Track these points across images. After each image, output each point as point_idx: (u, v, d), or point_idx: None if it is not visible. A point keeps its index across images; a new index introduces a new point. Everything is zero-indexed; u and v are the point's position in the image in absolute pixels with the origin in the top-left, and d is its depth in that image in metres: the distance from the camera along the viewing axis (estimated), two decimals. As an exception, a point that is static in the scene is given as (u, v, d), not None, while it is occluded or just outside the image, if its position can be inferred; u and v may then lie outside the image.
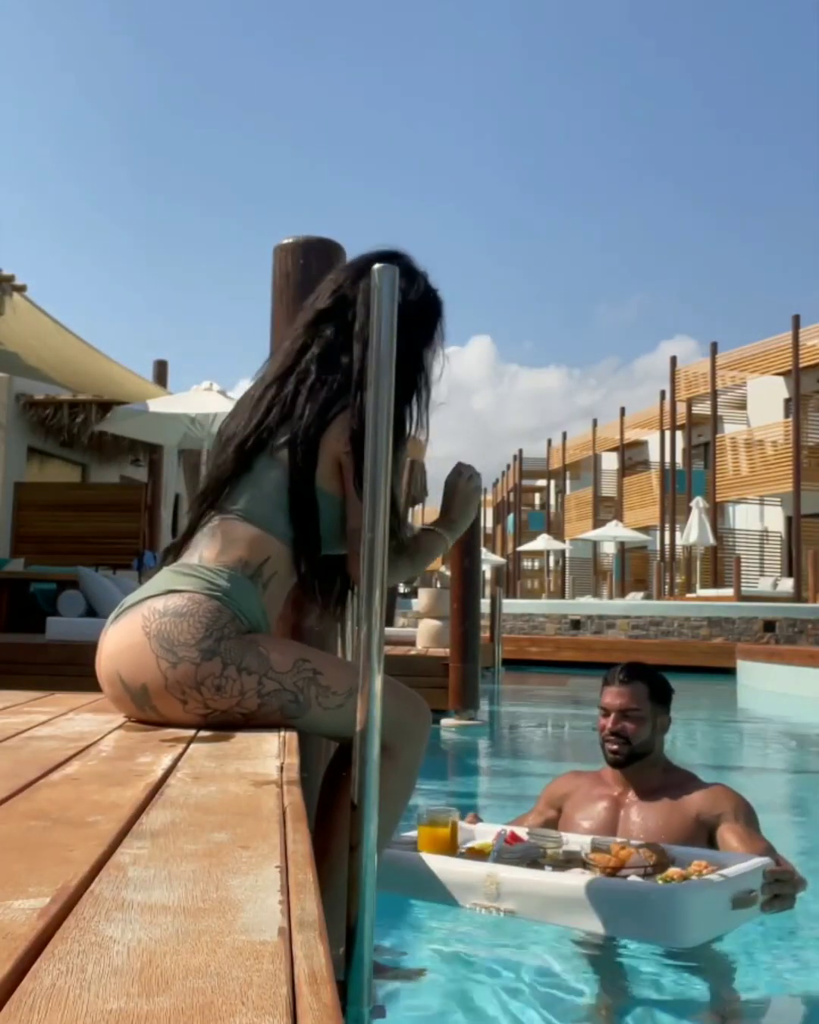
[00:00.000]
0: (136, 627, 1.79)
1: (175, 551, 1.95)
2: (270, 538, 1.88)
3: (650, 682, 2.95)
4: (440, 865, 2.63)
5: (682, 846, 2.70)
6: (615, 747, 2.89)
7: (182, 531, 1.98)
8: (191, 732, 1.71)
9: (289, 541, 1.89)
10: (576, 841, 2.75)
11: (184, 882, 0.83)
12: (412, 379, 2.02)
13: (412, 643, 9.12)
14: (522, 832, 2.82)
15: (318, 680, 1.77)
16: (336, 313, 2.02)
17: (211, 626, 1.75)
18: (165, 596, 1.80)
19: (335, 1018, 0.58)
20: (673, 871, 2.49)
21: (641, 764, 2.90)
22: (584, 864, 2.60)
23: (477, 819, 3.16)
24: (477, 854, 2.72)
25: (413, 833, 2.81)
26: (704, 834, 2.80)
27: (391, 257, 2.04)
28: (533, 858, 2.64)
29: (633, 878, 2.48)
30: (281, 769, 1.37)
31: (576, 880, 2.47)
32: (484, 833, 2.93)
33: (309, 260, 2.62)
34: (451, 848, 2.75)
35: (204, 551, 1.88)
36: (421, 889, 2.63)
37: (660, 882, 2.45)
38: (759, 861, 2.53)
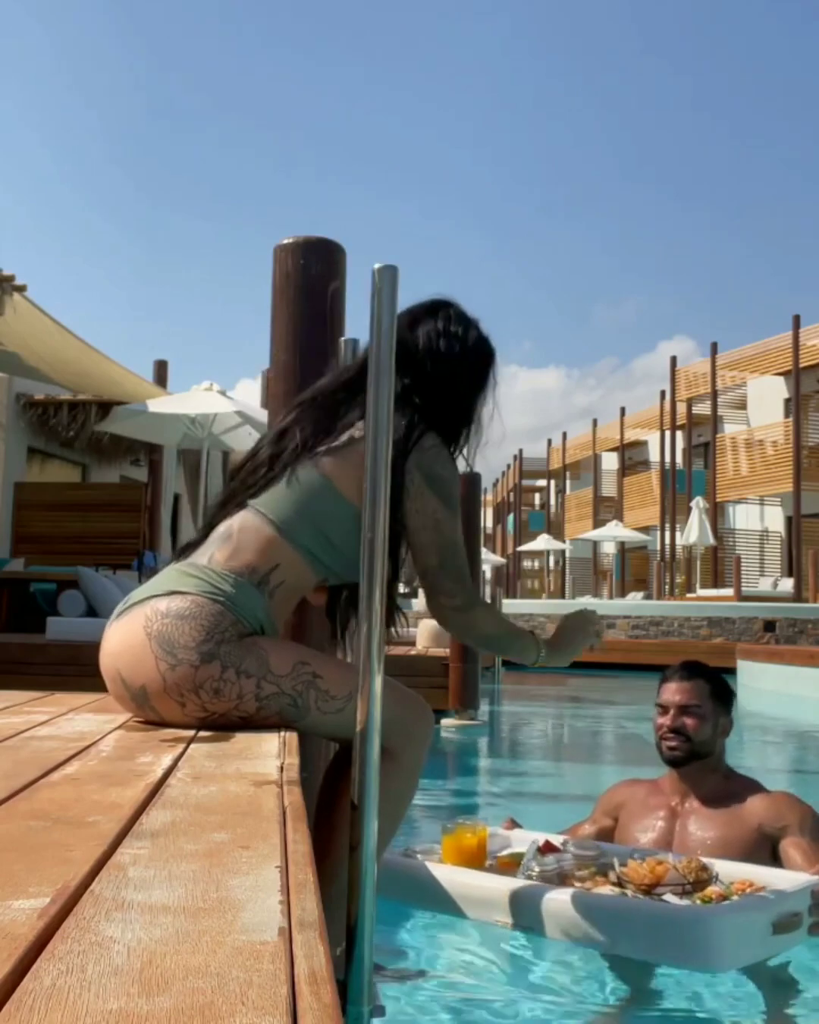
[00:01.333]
0: (137, 627, 1.79)
1: (192, 544, 1.94)
2: (285, 544, 1.85)
3: (712, 680, 2.85)
4: (458, 878, 2.51)
5: (734, 861, 2.57)
6: (674, 744, 2.77)
7: (205, 522, 1.98)
8: (191, 732, 1.71)
9: (305, 550, 1.87)
10: (617, 853, 2.60)
11: (184, 882, 0.83)
12: (463, 426, 2.04)
13: (412, 643, 9.11)
14: (558, 841, 2.69)
15: (317, 684, 1.76)
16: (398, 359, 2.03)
17: (212, 630, 1.75)
18: (168, 597, 1.80)
19: (335, 1018, 0.58)
20: (712, 890, 2.36)
21: (700, 768, 2.78)
22: (619, 880, 2.46)
23: (515, 825, 3.03)
24: (508, 865, 2.59)
25: (436, 845, 2.69)
26: (767, 847, 2.66)
27: (442, 306, 2.06)
28: (566, 871, 2.51)
29: (669, 897, 2.35)
30: (281, 769, 1.37)
31: (601, 899, 2.35)
32: (521, 840, 2.80)
33: (310, 260, 2.62)
34: (479, 860, 2.62)
35: (216, 552, 1.86)
36: (438, 902, 2.52)
37: (697, 902, 2.33)
38: (807, 880, 2.39)
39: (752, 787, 2.82)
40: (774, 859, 2.65)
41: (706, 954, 2.25)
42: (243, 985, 0.61)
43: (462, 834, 2.63)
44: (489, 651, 2.12)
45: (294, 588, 1.91)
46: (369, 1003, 1.44)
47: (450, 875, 2.52)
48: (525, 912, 2.37)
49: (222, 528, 1.90)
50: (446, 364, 2.01)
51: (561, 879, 2.47)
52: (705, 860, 2.47)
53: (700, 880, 2.37)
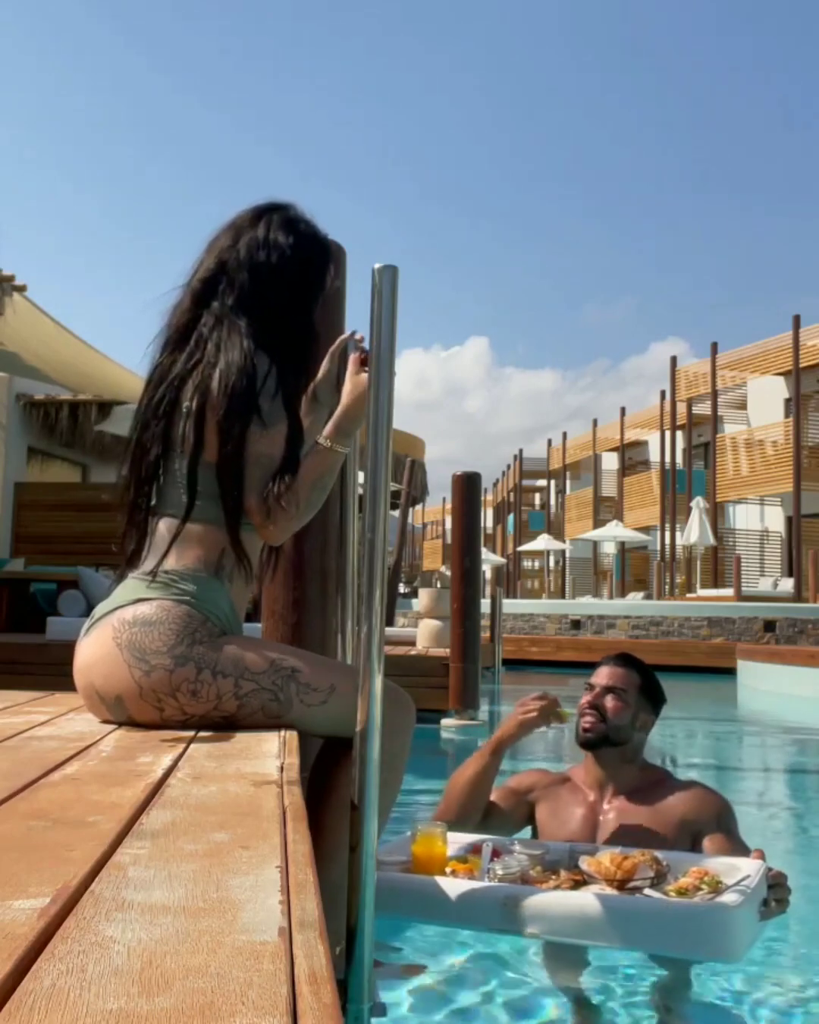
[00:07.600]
0: (107, 639, 1.77)
1: (132, 559, 1.88)
2: (218, 531, 1.81)
3: (644, 675, 2.83)
4: (456, 889, 2.40)
5: (666, 851, 2.54)
6: (589, 721, 2.74)
7: (132, 539, 1.89)
8: (191, 732, 1.71)
9: (225, 526, 1.81)
10: (554, 849, 2.58)
11: (184, 882, 0.83)
12: (301, 341, 1.92)
13: (412, 643, 9.12)
14: (496, 843, 2.59)
15: (297, 677, 1.74)
16: (219, 280, 1.91)
17: (182, 632, 1.73)
18: (133, 606, 1.78)
19: (335, 1018, 0.58)
20: (684, 881, 2.35)
21: (617, 760, 2.77)
22: (585, 876, 2.41)
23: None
24: (464, 869, 2.48)
25: (402, 857, 2.54)
26: (688, 839, 2.68)
27: (267, 210, 1.94)
28: (525, 872, 2.46)
29: (648, 892, 2.34)
30: (281, 769, 1.37)
31: (613, 901, 2.31)
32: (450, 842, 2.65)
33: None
34: (443, 866, 2.51)
35: (167, 555, 1.82)
36: (439, 915, 2.42)
37: (672, 894, 2.32)
38: (760, 866, 2.42)
39: (667, 778, 2.83)
40: (694, 850, 2.65)
41: (728, 946, 2.25)
42: (243, 985, 0.62)
43: (432, 840, 2.51)
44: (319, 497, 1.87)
45: (244, 565, 1.87)
46: (369, 1002, 1.44)
47: (442, 886, 2.39)
48: (528, 919, 2.31)
49: (155, 533, 1.85)
50: (268, 275, 1.88)
51: (523, 880, 2.44)
52: (654, 853, 2.46)
53: (659, 872, 2.38)
